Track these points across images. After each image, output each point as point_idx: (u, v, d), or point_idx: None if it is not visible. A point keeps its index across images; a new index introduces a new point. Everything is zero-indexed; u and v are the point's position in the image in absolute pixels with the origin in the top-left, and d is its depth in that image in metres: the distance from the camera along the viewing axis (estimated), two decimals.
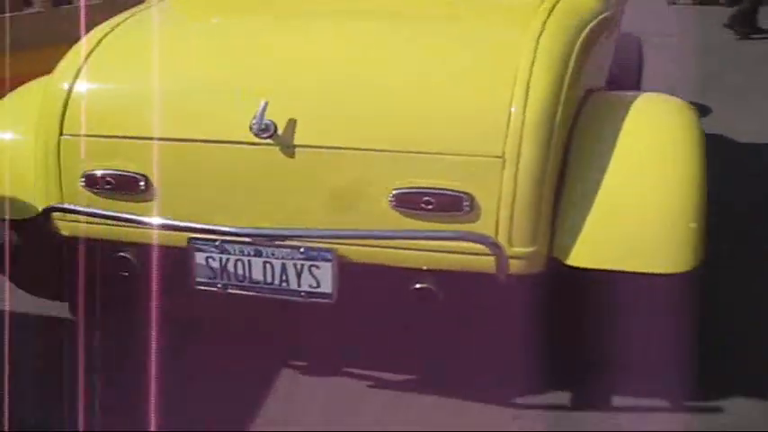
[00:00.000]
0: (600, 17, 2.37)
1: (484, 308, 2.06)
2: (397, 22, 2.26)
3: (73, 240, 2.12)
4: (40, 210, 2.13)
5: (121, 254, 2.08)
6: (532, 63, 1.89)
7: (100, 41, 2.15)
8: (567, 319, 1.96)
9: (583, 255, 1.83)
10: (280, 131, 1.86)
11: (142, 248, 2.09)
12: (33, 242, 2.27)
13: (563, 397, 2.09)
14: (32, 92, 2.39)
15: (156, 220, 1.95)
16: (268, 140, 1.86)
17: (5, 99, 2.42)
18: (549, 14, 2.14)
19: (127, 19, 2.29)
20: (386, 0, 2.38)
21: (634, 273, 1.80)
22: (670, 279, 1.81)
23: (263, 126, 1.84)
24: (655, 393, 2.06)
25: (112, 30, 2.21)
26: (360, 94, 1.92)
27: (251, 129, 1.86)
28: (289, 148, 1.87)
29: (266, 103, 1.83)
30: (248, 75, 2.01)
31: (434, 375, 2.18)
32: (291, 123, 1.86)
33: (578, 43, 2.06)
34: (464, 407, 2.05)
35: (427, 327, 2.27)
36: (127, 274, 2.10)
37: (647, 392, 2.07)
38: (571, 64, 1.95)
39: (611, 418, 2.01)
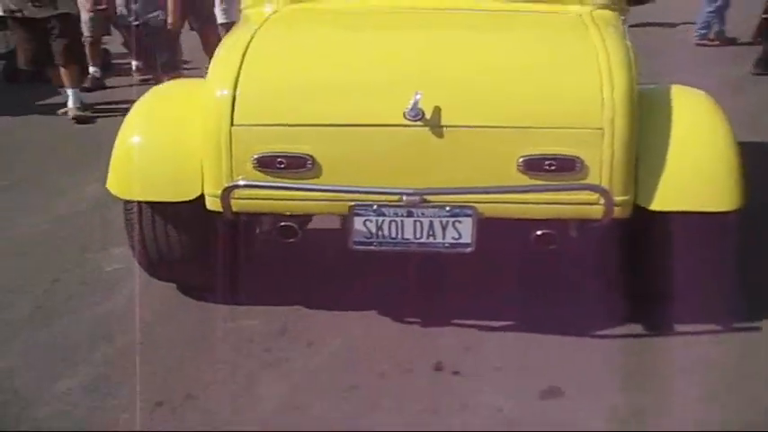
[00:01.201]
0: (623, 24, 3.03)
1: (586, 249, 2.65)
2: (501, 30, 2.85)
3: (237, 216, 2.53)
4: (200, 192, 2.53)
5: (286, 223, 2.51)
6: (608, 59, 2.50)
7: (247, 46, 2.57)
8: (646, 255, 2.58)
9: (659, 200, 2.44)
10: (428, 116, 2.37)
11: (303, 218, 2.54)
12: (190, 223, 2.65)
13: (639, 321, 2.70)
14: (171, 93, 2.80)
15: (333, 187, 2.40)
16: (419, 123, 2.37)
17: (139, 106, 2.78)
18: (595, 21, 2.79)
19: (258, 28, 2.72)
20: (476, 17, 2.93)
21: (697, 212, 2.43)
22: (723, 216, 2.46)
23: (416, 113, 2.34)
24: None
25: (252, 37, 2.63)
26: (489, 84, 2.47)
27: (405, 115, 2.35)
28: (435, 128, 2.38)
29: (420, 96, 2.33)
30: (397, 70, 2.51)
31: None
32: (436, 109, 2.37)
33: (628, 42, 2.70)
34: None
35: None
36: (292, 240, 2.53)
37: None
38: (631, 58, 2.58)
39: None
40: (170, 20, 5.72)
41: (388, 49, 2.66)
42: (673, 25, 8.86)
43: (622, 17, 3.09)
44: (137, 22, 5.72)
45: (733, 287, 2.72)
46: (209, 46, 5.84)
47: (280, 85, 2.51)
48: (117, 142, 2.67)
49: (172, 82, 2.98)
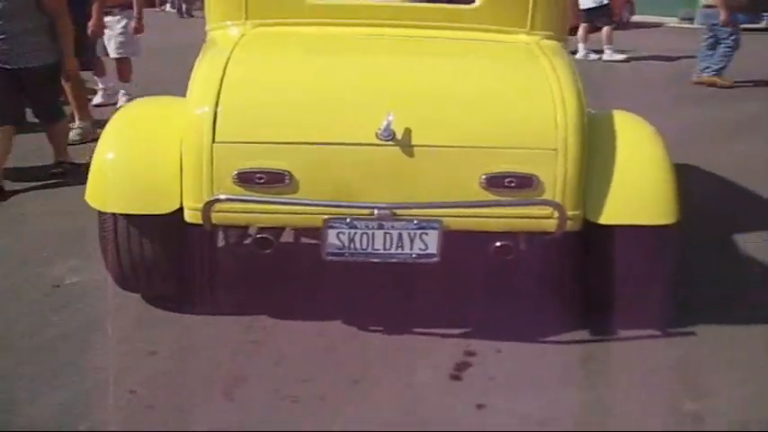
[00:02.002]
0: (567, 53, 3.31)
1: (537, 260, 2.89)
2: (462, 57, 3.08)
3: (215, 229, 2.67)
4: (178, 205, 2.66)
5: (263, 235, 2.66)
6: (560, 85, 2.76)
7: (225, 66, 2.72)
8: (593, 266, 2.84)
9: (606, 215, 2.70)
10: (398, 136, 2.57)
11: (278, 230, 2.70)
12: (164, 235, 2.77)
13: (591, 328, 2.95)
14: (147, 108, 2.93)
15: (309, 201, 2.58)
16: (390, 142, 2.57)
17: (115, 121, 2.89)
18: (543, 51, 3.06)
19: (233, 49, 2.86)
20: (438, 44, 3.15)
21: (639, 225, 2.71)
22: (660, 230, 2.74)
23: (387, 133, 2.55)
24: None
25: (229, 58, 2.78)
26: (454, 107, 2.70)
27: (377, 135, 2.55)
28: (405, 148, 2.59)
29: (392, 118, 2.53)
30: (368, 92, 2.71)
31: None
32: (406, 130, 2.58)
33: (575, 70, 2.97)
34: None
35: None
36: (268, 251, 2.68)
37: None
38: (579, 85, 2.84)
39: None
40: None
41: (359, 73, 2.85)
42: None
43: (564, 47, 3.37)
44: None
45: (673, 295, 3.01)
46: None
47: (259, 104, 2.67)
48: (95, 155, 2.78)
49: (147, 98, 3.09)
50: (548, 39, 3.25)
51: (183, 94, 2.80)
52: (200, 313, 2.97)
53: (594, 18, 11.39)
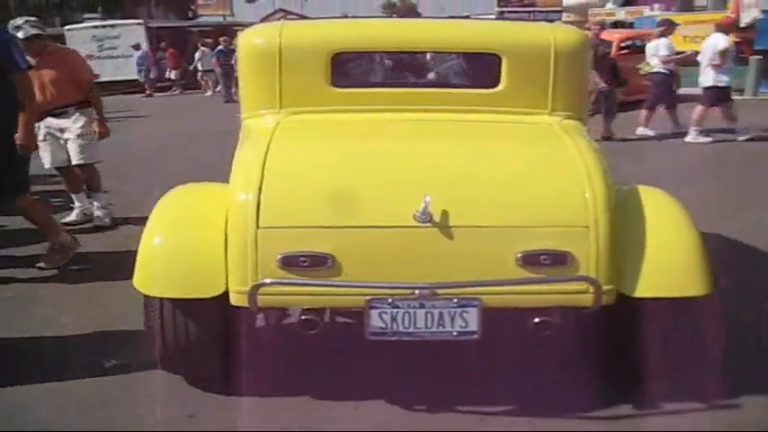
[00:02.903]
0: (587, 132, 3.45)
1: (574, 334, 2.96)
2: (491, 139, 3.22)
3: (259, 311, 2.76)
4: (223, 289, 2.75)
5: (308, 317, 2.75)
6: (585, 164, 2.89)
7: (266, 155, 2.86)
8: (628, 339, 2.91)
9: (641, 288, 2.78)
10: (436, 218, 2.68)
11: (321, 311, 2.79)
12: (209, 318, 2.85)
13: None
14: (190, 196, 3.06)
15: (351, 283, 2.67)
16: (428, 224, 2.68)
17: (160, 207, 3.01)
18: (565, 130, 3.20)
19: (271, 138, 3.01)
20: (466, 126, 3.30)
21: (674, 298, 2.79)
22: (694, 301, 2.82)
23: (425, 216, 2.66)
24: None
25: (268, 146, 2.92)
26: (488, 188, 2.83)
27: (415, 217, 2.67)
28: (443, 229, 2.69)
29: (429, 200, 2.65)
30: (404, 177, 2.84)
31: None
32: (443, 212, 2.69)
33: (597, 147, 3.10)
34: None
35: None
36: (313, 332, 2.76)
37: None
38: (604, 162, 2.97)
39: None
40: None
41: (393, 157, 3.00)
42: None
43: (584, 126, 3.52)
44: None
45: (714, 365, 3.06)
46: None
47: (300, 190, 2.79)
48: (142, 242, 2.89)
49: (187, 186, 3.22)
50: (568, 119, 3.41)
51: (224, 180, 2.93)
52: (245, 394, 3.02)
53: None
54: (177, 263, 2.85)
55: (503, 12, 19.43)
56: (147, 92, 21.74)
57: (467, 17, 33.90)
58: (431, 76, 4.06)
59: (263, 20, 40.82)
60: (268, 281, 2.67)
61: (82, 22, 27.69)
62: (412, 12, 61.35)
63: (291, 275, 2.69)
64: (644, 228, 2.90)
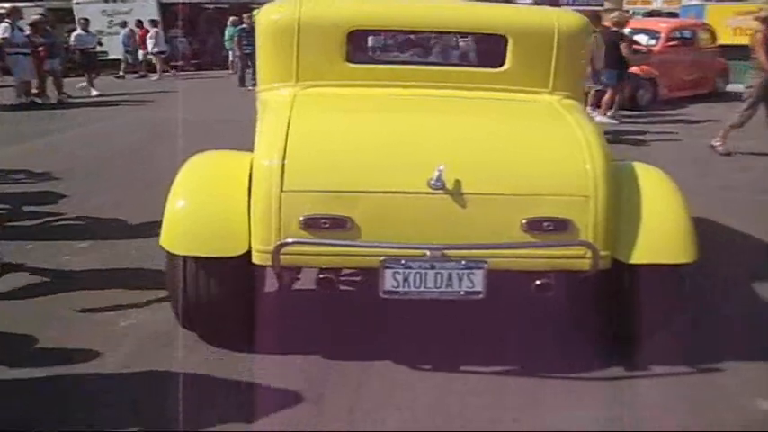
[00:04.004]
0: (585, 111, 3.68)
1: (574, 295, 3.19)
2: (498, 114, 3.44)
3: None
4: (246, 248, 2.95)
5: (326, 275, 2.95)
6: (586, 139, 3.11)
7: (288, 124, 3.05)
8: (620, 301, 3.14)
9: (635, 255, 3.01)
10: (448, 186, 2.89)
11: (338, 272, 2.99)
12: (229, 277, 3.05)
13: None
14: (213, 161, 3.25)
15: (368, 243, 2.88)
16: (440, 191, 2.89)
17: (185, 172, 3.20)
18: (565, 108, 3.42)
19: (291, 109, 3.20)
20: (474, 103, 3.51)
21: (664, 264, 3.02)
22: (684, 268, 3.06)
23: (438, 183, 2.86)
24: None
25: (290, 117, 3.11)
26: (496, 159, 3.05)
27: (428, 184, 2.88)
28: (454, 196, 2.91)
29: (443, 169, 2.85)
30: (419, 147, 3.05)
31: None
32: (455, 180, 2.90)
33: (596, 124, 3.32)
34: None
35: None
36: (329, 291, 2.97)
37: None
38: (603, 137, 3.19)
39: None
40: None
41: (409, 128, 3.22)
42: None
43: (581, 105, 3.74)
44: None
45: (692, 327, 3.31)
46: None
47: (321, 157, 3.00)
48: (168, 205, 3.08)
49: (210, 152, 3.40)
50: (567, 98, 3.63)
51: None
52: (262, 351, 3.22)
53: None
54: (202, 223, 3.05)
55: None
56: (120, 73, 19.98)
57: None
58: (440, 54, 4.25)
59: None
60: (290, 240, 2.87)
61: None
62: None
63: (312, 236, 2.90)
64: (639, 200, 3.13)
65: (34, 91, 13.51)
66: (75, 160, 7.87)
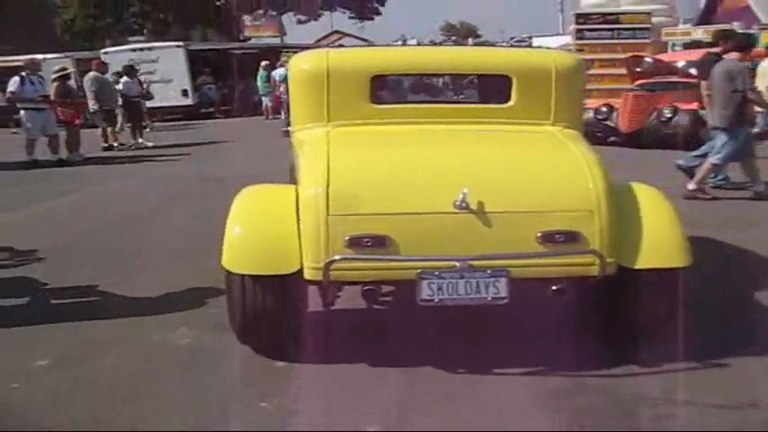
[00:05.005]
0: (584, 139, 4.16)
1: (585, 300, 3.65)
2: (511, 143, 3.92)
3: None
4: (298, 266, 3.37)
5: (370, 287, 3.38)
6: (587, 162, 3.58)
7: (328, 159, 3.50)
8: (624, 304, 3.58)
9: (639, 261, 3.47)
10: (472, 206, 3.34)
11: (380, 285, 3.42)
12: (283, 293, 3.46)
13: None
14: (263, 193, 3.71)
15: (405, 258, 3.32)
16: (465, 211, 3.34)
17: (239, 202, 3.65)
18: (566, 137, 3.90)
19: (328, 145, 3.66)
20: (487, 134, 3.99)
21: (664, 269, 3.47)
22: (680, 271, 3.51)
23: (463, 204, 3.32)
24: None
25: (328, 152, 3.57)
26: (512, 183, 3.52)
27: (455, 205, 3.33)
28: (477, 214, 3.36)
29: (467, 192, 3.31)
30: (444, 174, 3.52)
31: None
32: (478, 201, 3.35)
33: (594, 150, 3.79)
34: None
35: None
36: (373, 303, 3.40)
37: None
38: (601, 160, 3.66)
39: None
40: None
41: (434, 158, 3.72)
42: None
43: (581, 134, 4.22)
44: None
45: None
46: None
47: (360, 185, 3.46)
48: (227, 230, 3.53)
49: (257, 186, 3.86)
50: (567, 128, 4.12)
51: None
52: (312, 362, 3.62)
53: None
54: (258, 245, 3.51)
55: (581, 30, 16.29)
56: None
57: (529, 38, 31.64)
58: (453, 94, 4.75)
59: (318, 41, 40.65)
60: (338, 257, 3.30)
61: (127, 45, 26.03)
62: (472, 34, 61.85)
63: (356, 253, 3.32)
64: (638, 213, 3.62)
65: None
66: (69, 231, 7.08)
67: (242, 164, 10.39)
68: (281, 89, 17.47)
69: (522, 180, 3.55)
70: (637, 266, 3.47)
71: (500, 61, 4.21)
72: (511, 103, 4.13)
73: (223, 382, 3.52)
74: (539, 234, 3.38)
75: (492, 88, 4.43)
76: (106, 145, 14.36)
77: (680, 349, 3.65)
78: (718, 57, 7.78)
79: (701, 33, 20.28)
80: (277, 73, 18.58)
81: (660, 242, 3.55)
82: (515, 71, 4.12)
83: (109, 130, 14.47)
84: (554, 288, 3.46)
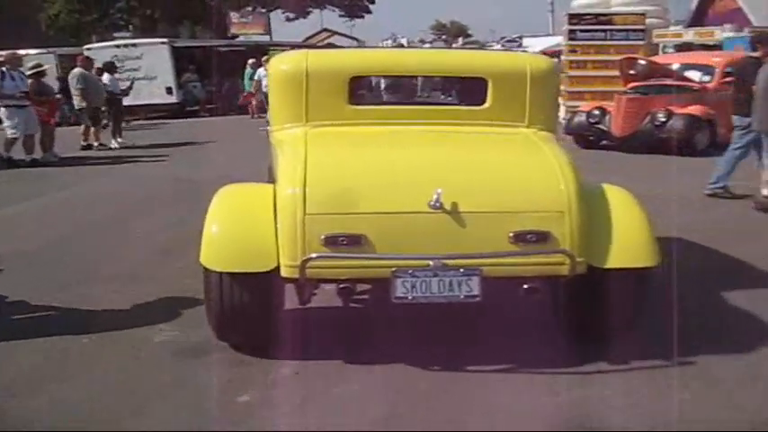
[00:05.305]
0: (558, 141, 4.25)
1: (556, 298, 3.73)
2: (485, 144, 4.00)
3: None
4: (275, 264, 3.43)
5: (345, 285, 3.45)
6: (559, 164, 3.67)
7: (305, 159, 3.57)
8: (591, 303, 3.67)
9: (608, 260, 3.56)
10: (446, 206, 3.42)
11: (355, 283, 3.49)
12: (258, 290, 3.53)
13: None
14: (241, 192, 3.76)
15: (380, 256, 3.40)
16: (439, 211, 3.42)
17: (218, 201, 3.70)
18: (540, 139, 3.99)
19: (305, 146, 3.72)
20: (461, 135, 4.07)
21: (632, 268, 3.56)
22: (648, 271, 3.61)
23: (437, 204, 3.39)
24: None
25: (306, 152, 3.63)
26: (485, 183, 3.61)
27: (429, 205, 3.40)
28: (451, 214, 3.44)
29: (441, 192, 3.38)
30: (419, 174, 3.60)
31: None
32: (451, 201, 3.43)
33: (567, 151, 3.88)
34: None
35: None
36: (348, 300, 3.47)
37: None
38: (573, 162, 3.74)
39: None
40: None
41: (409, 158, 3.80)
42: None
43: (554, 136, 4.31)
44: None
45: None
46: None
47: (337, 184, 3.54)
48: (205, 227, 3.59)
49: (235, 185, 3.92)
50: (541, 130, 4.21)
51: None
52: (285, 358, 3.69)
53: None
54: (236, 243, 3.58)
55: (574, 30, 15.67)
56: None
57: (519, 38, 31.84)
58: (430, 95, 4.83)
59: (307, 40, 40.31)
60: (314, 255, 3.37)
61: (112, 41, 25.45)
62: (462, 33, 61.60)
63: (332, 252, 3.39)
64: (609, 214, 3.71)
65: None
66: (36, 237, 6.73)
67: (222, 165, 9.72)
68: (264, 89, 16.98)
69: (496, 181, 3.64)
70: (606, 266, 3.57)
71: (476, 64, 4.29)
72: (486, 105, 4.21)
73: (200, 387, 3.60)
74: (511, 234, 3.46)
75: (469, 90, 4.51)
76: (85, 144, 13.90)
77: (649, 347, 3.76)
78: (757, 60, 7.62)
79: (691, 35, 20.73)
80: (259, 73, 18.14)
81: (629, 242, 3.65)
82: (491, 74, 4.20)
83: (92, 129, 13.99)
84: (526, 287, 3.55)
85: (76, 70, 14.08)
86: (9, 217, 7.85)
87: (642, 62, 13.04)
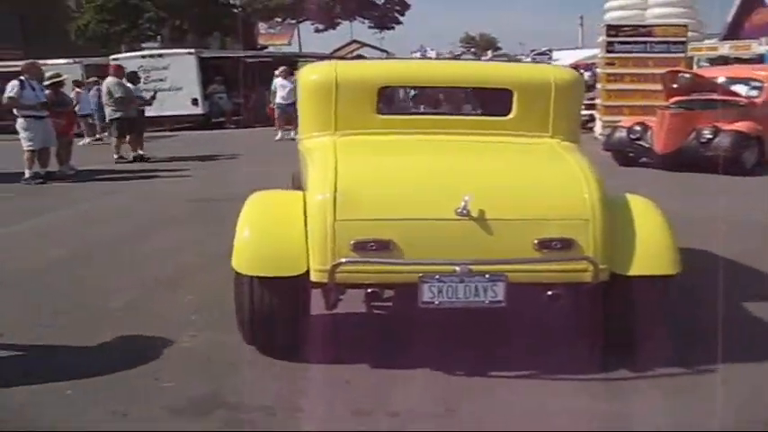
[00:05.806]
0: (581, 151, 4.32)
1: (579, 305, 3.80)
2: (512, 153, 4.09)
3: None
4: (305, 269, 3.54)
5: (373, 290, 3.54)
6: (584, 173, 3.74)
7: (336, 166, 3.68)
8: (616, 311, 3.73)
9: (632, 268, 3.62)
10: (473, 213, 3.51)
11: (382, 286, 3.58)
12: (289, 295, 3.64)
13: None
14: (272, 199, 3.91)
15: (408, 261, 3.50)
16: (466, 218, 3.51)
17: (249, 207, 3.83)
18: (564, 149, 4.07)
19: (335, 153, 3.83)
20: (488, 144, 4.17)
21: (655, 276, 3.62)
22: (670, 279, 3.66)
23: (464, 211, 3.48)
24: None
25: (336, 160, 3.74)
26: (512, 191, 3.69)
27: (456, 212, 3.50)
28: (478, 221, 3.53)
29: (468, 199, 3.47)
30: (447, 181, 3.70)
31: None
32: (478, 208, 3.52)
33: (591, 161, 3.95)
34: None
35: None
36: (376, 304, 3.56)
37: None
38: (598, 172, 3.81)
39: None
40: None
41: (437, 166, 3.91)
42: None
43: (578, 146, 4.39)
44: None
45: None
46: None
47: (366, 191, 3.65)
48: (237, 233, 3.71)
49: (265, 191, 4.04)
50: (565, 141, 4.29)
51: None
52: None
53: None
54: (267, 248, 3.70)
55: (612, 42, 15.12)
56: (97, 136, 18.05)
57: (549, 51, 32.10)
58: (456, 105, 4.93)
59: (336, 51, 40.61)
60: (344, 260, 3.48)
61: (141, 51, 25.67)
62: (491, 46, 61.90)
63: (361, 257, 3.49)
64: (632, 222, 3.78)
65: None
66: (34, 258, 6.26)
67: (243, 182, 7.99)
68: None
69: (521, 189, 3.73)
70: (629, 273, 3.63)
71: (502, 75, 4.39)
72: (511, 115, 4.31)
73: None
74: (536, 241, 3.54)
75: (495, 101, 4.60)
76: (117, 156, 13.53)
77: (669, 354, 3.81)
78: None
79: (727, 49, 20.26)
80: (275, 83, 17.71)
81: (651, 250, 3.71)
82: (516, 85, 4.30)
83: (118, 140, 13.63)
84: (549, 293, 3.62)
85: (112, 79, 13.73)
86: (13, 234, 7.51)
87: (687, 75, 12.50)
